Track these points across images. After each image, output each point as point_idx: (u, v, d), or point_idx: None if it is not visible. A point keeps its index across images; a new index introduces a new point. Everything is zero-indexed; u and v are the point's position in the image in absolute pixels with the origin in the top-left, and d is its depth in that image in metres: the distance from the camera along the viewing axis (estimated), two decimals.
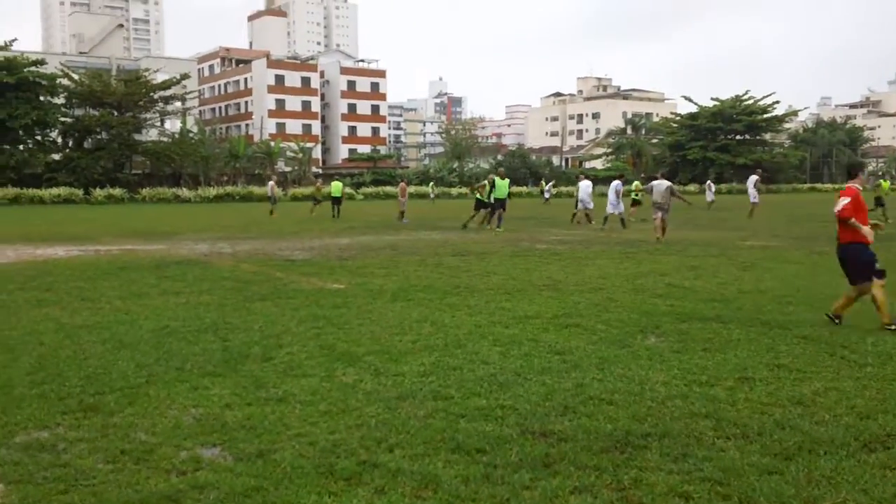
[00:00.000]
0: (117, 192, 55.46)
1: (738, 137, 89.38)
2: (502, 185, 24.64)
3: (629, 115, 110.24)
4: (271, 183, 39.15)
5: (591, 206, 27.54)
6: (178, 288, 11.60)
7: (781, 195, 71.17)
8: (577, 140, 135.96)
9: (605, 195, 26.96)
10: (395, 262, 14.93)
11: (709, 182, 44.98)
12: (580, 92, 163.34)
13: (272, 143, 79.79)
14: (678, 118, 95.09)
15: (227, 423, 5.26)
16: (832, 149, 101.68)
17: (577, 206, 28.87)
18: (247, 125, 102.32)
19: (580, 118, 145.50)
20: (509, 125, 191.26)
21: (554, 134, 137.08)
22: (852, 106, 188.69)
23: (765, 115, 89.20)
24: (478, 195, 25.82)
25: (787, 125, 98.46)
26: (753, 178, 33.54)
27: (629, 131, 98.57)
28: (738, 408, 5.66)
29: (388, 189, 64.26)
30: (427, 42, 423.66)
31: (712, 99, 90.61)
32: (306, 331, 8.28)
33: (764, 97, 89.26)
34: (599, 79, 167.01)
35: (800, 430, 5.15)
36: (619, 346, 7.59)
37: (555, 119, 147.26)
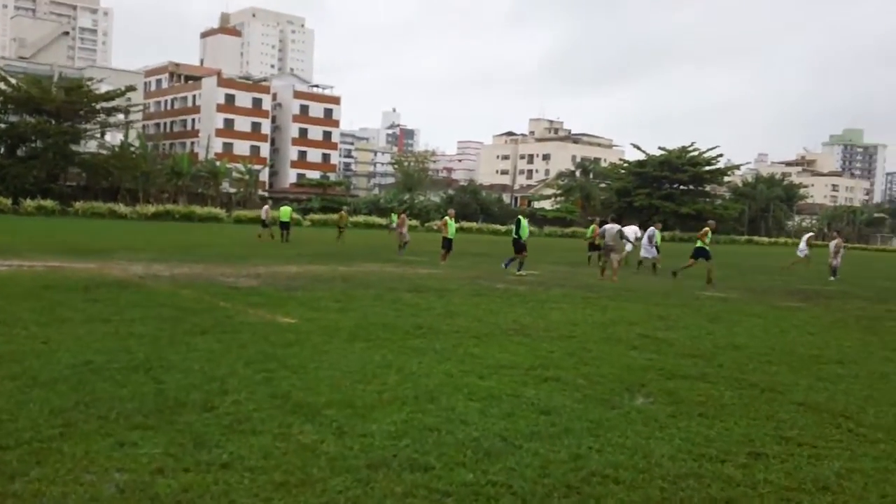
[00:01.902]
0: (49, 203, 53.12)
1: (682, 187, 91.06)
2: (453, 225, 25.40)
3: (578, 159, 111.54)
4: (266, 207, 37.33)
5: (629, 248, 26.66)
6: (108, 314, 10.41)
7: (721, 246, 72.11)
8: (527, 179, 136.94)
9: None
10: (350, 296, 13.95)
11: (810, 234, 45.87)
12: (532, 133, 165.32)
13: (218, 163, 77.92)
14: (626, 165, 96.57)
15: (159, 497, 4.25)
16: (769, 203, 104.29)
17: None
18: (192, 143, 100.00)
19: (531, 158, 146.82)
20: (460, 160, 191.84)
21: (504, 172, 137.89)
22: (788, 164, 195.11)
23: (708, 168, 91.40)
24: (443, 234, 25.62)
25: (728, 178, 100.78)
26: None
27: (578, 174, 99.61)
28: (760, 492, 4.90)
29: (336, 217, 63.08)
30: (382, 72, 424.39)
31: (659, 148, 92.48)
32: (255, 374, 7.26)
33: (708, 150, 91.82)
34: (551, 121, 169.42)
35: None
36: (608, 407, 6.79)
37: (506, 157, 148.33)
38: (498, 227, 71.64)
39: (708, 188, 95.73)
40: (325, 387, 6.89)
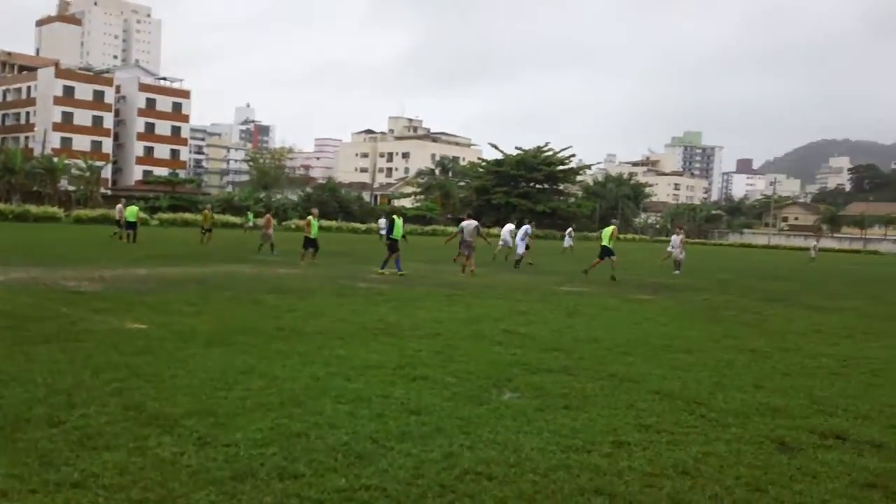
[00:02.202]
0: None
1: (538, 186, 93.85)
2: (316, 225, 25.21)
3: (438, 157, 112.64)
4: (119, 206, 34.53)
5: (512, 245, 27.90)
6: None
7: (576, 243, 74.84)
8: (387, 178, 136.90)
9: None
10: (205, 299, 13.38)
11: (569, 230, 47.17)
12: (391, 131, 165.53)
13: (55, 159, 73.12)
14: (484, 164, 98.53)
15: None
16: (618, 201, 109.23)
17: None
18: (27, 137, 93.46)
19: (390, 156, 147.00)
20: (318, 158, 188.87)
21: (364, 170, 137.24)
22: (634, 164, 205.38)
23: (562, 167, 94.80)
24: (305, 234, 25.14)
25: (580, 177, 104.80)
26: (569, 229, 35.63)
27: (438, 173, 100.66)
28: (625, 480, 5.05)
29: (188, 216, 60.66)
30: (235, 66, 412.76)
31: (516, 148, 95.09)
32: (104, 384, 6.77)
33: (562, 150, 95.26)
34: (411, 120, 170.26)
35: None
36: (477, 403, 6.83)
37: (365, 155, 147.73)
38: (358, 225, 71.10)
39: (562, 187, 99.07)
40: (183, 396, 6.53)
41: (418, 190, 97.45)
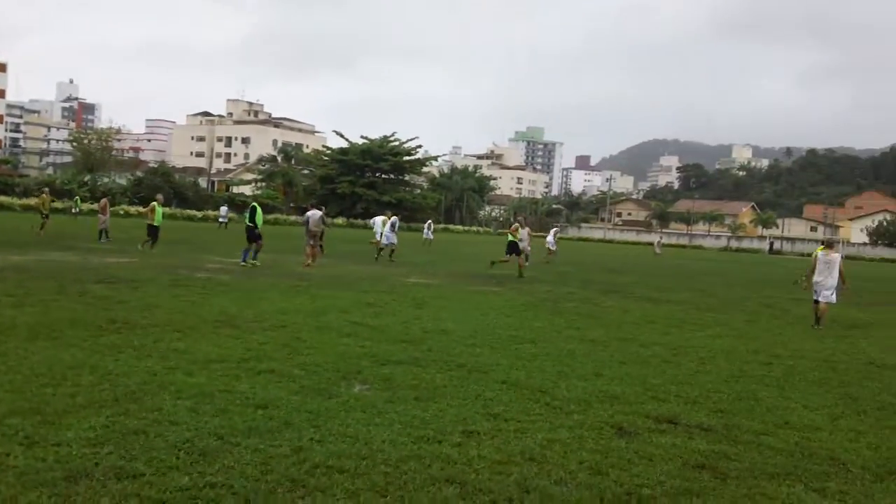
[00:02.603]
0: None
1: (384, 176, 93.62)
2: (160, 212, 24.25)
3: (280, 144, 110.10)
4: (43, 193, 30.62)
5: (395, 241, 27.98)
6: None
7: (419, 234, 75.68)
8: (225, 163, 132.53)
9: None
10: (26, 289, 12.37)
11: (429, 222, 47.32)
12: (230, 114, 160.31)
13: None
14: (329, 152, 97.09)
15: None
16: (464, 194, 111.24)
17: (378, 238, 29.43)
18: None
19: (229, 141, 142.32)
20: (150, 140, 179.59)
21: (200, 154, 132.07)
22: (479, 157, 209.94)
23: (408, 158, 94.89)
24: (148, 221, 24.02)
25: (426, 168, 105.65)
26: (429, 221, 36.39)
27: (280, 160, 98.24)
28: (475, 468, 5.12)
29: (2, 199, 55.90)
30: (57, 39, 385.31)
31: (362, 137, 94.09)
32: None
33: (408, 140, 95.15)
34: (251, 103, 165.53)
35: (545, 493, 4.77)
36: (326, 396, 6.72)
37: (202, 139, 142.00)
38: (194, 212, 68.19)
39: (408, 177, 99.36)
40: (5, 393, 6.02)
41: (259, 177, 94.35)
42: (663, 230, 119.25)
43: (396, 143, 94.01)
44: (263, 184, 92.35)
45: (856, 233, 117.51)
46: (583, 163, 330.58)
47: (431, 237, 44.83)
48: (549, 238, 37.76)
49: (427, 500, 4.51)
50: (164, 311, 11.04)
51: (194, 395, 6.38)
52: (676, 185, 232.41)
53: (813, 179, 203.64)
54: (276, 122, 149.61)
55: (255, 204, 22.23)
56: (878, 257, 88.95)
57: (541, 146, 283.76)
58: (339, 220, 73.87)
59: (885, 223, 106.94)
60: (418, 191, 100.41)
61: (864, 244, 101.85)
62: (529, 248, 30.58)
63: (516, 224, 25.68)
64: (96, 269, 16.74)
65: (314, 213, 22.57)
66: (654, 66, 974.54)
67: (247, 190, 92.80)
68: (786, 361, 10.43)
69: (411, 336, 10.38)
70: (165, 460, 4.79)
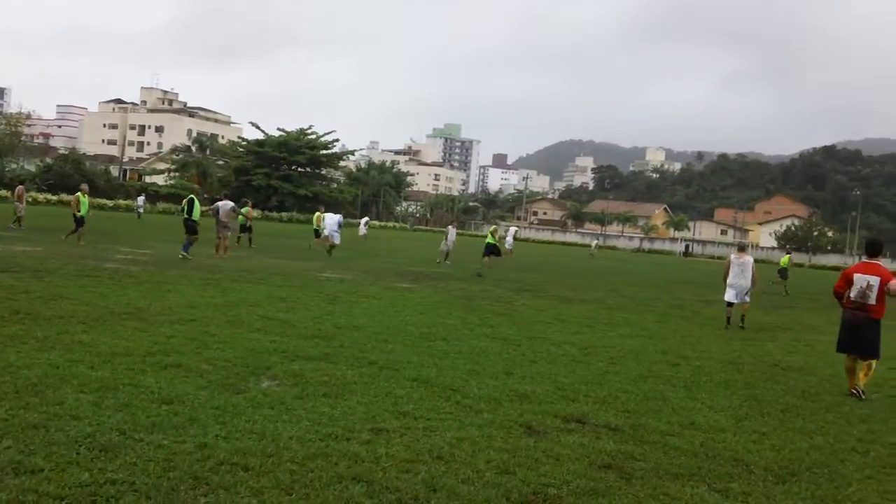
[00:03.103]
0: None
1: (300, 169, 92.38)
2: (86, 202, 23.30)
3: (195, 134, 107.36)
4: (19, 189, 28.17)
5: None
6: None
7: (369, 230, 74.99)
8: (138, 152, 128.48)
9: None
10: None
11: (365, 219, 47.01)
12: (144, 102, 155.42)
13: None
14: (245, 143, 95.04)
15: None
16: (381, 189, 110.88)
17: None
18: None
19: (142, 130, 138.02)
20: (60, 126, 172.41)
21: (112, 142, 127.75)
22: (397, 152, 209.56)
23: (325, 151, 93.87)
24: (73, 211, 23.02)
25: (343, 163, 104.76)
26: (365, 218, 36.54)
27: (195, 150, 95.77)
28: (383, 466, 5.10)
29: None
30: None
31: (278, 129, 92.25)
32: None
33: (325, 134, 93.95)
34: (165, 92, 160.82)
35: (452, 492, 4.77)
36: (234, 392, 6.58)
37: (114, 127, 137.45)
38: (105, 201, 65.82)
39: (325, 171, 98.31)
40: None
41: (173, 167, 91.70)
42: (578, 230, 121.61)
43: (313, 136, 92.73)
44: (177, 174, 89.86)
45: (765, 237, 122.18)
46: (500, 161, 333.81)
47: (366, 233, 44.73)
48: (509, 238, 38.71)
49: (333, 498, 4.47)
50: (70, 303, 10.63)
51: (97, 389, 6.17)
52: (591, 185, 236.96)
53: (724, 183, 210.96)
54: (191, 112, 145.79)
55: (192, 196, 22.06)
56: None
57: (458, 143, 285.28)
58: (255, 213, 72.39)
59: (793, 228, 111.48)
60: (335, 185, 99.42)
61: (773, 248, 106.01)
62: (451, 247, 31.00)
63: (495, 226, 26.54)
64: (1, 257, 15.99)
65: (225, 204, 22.25)
66: (572, 66, 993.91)
67: (160, 180, 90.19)
68: (693, 362, 10.74)
69: (323, 332, 10.28)
70: (65, 455, 4.64)
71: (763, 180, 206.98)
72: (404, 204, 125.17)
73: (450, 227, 32.86)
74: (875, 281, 9.06)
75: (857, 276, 9.14)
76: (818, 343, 14.25)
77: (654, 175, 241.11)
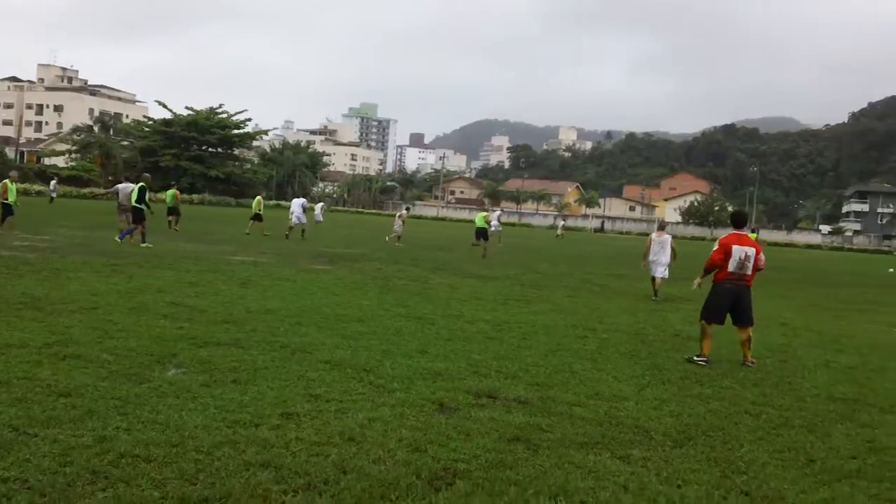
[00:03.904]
0: None
1: (211, 149, 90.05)
2: (14, 189, 22.10)
3: (97, 113, 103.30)
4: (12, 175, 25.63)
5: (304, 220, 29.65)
6: None
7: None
8: (36, 133, 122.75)
9: None
10: None
11: (322, 204, 45.87)
12: (41, 80, 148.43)
13: None
14: (151, 122, 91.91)
15: None
16: (296, 170, 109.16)
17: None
18: None
19: (40, 109, 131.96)
20: None
21: (8, 122, 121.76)
22: (312, 132, 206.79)
23: (237, 131, 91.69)
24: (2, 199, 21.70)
25: (256, 143, 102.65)
26: (321, 203, 36.57)
27: (97, 130, 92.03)
28: (292, 451, 5.05)
29: None
30: None
31: (187, 108, 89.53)
32: None
33: (237, 113, 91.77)
34: (64, 69, 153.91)
35: (363, 473, 4.76)
36: (137, 382, 6.38)
37: (9, 106, 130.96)
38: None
39: (237, 152, 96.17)
40: None
41: (74, 148, 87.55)
42: (494, 208, 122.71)
43: (224, 115, 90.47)
44: (78, 155, 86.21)
45: (670, 212, 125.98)
46: (417, 141, 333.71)
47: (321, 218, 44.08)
48: (494, 222, 39.08)
49: (239, 486, 4.39)
50: None
51: None
52: (507, 164, 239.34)
53: (632, 161, 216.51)
54: (93, 90, 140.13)
55: (142, 183, 21.17)
56: (689, 235, 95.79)
57: (375, 123, 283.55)
58: (161, 195, 70.21)
59: (696, 203, 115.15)
60: (248, 165, 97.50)
61: (678, 223, 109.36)
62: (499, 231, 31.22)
63: (486, 212, 27.38)
64: None
65: (126, 186, 21.59)
66: (489, 48, 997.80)
67: (60, 161, 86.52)
68: (601, 335, 11.00)
69: (234, 316, 10.07)
70: None
71: (668, 158, 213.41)
72: (321, 184, 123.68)
73: (402, 210, 33.97)
74: (752, 252, 9.42)
75: (735, 248, 9.40)
76: None
77: (567, 154, 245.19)
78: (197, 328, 9.01)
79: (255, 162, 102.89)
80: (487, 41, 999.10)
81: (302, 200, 31.01)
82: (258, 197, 32.94)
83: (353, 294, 13.61)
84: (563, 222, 65.68)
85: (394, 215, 32.12)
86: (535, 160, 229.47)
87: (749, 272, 9.46)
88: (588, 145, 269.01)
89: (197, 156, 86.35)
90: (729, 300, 9.47)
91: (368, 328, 10.04)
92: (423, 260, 23.53)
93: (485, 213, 31.27)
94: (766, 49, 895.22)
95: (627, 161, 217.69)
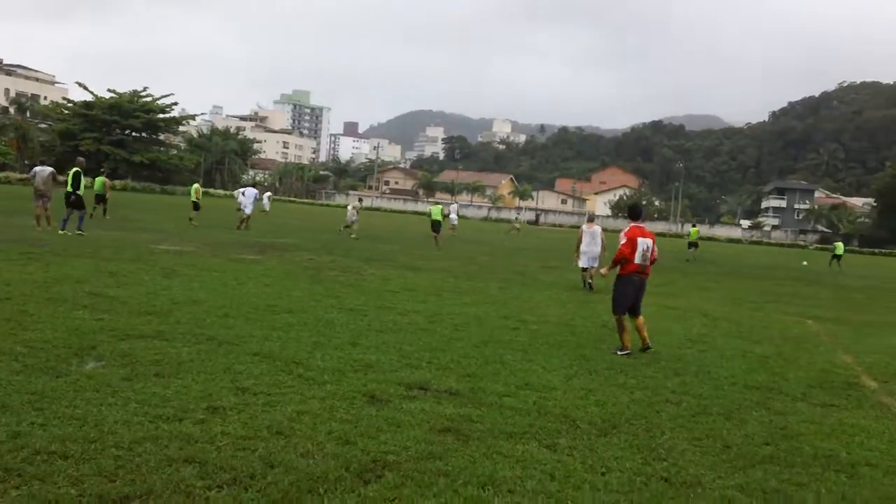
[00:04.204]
0: None
1: (135, 134, 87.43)
2: None
3: (13, 94, 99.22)
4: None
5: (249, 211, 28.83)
6: None
7: (177, 197, 71.95)
8: None
9: None
10: None
11: (269, 193, 44.81)
12: None
13: None
14: (71, 105, 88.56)
15: None
16: (225, 156, 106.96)
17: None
18: None
19: None
20: None
21: None
22: (242, 118, 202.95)
23: (163, 115, 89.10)
24: None
25: (183, 128, 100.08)
26: (268, 193, 36.03)
27: (13, 111, 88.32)
28: (217, 446, 4.93)
29: None
30: None
31: (110, 91, 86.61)
32: None
33: (163, 96, 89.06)
34: None
35: (291, 467, 4.68)
36: (54, 376, 6.14)
37: None
38: None
39: (163, 137, 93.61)
40: None
41: None
42: (429, 199, 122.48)
43: (149, 98, 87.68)
44: None
45: (600, 205, 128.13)
46: (351, 130, 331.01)
47: (268, 208, 43.32)
48: (453, 215, 39.98)
49: (161, 482, 4.25)
50: None
51: None
52: (442, 155, 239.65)
53: (565, 155, 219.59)
54: (9, 70, 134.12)
55: (77, 168, 20.50)
56: (619, 228, 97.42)
57: (308, 110, 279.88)
58: (86, 181, 67.91)
59: (625, 197, 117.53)
60: (174, 151, 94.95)
61: (608, 216, 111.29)
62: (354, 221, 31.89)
63: (441, 205, 30.90)
64: None
65: (42, 170, 20.71)
66: (423, 37, 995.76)
67: None
68: (531, 326, 11.11)
69: (157, 308, 9.79)
70: None
71: (599, 153, 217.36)
72: (251, 172, 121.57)
73: (356, 202, 34.83)
74: (650, 243, 9.69)
75: (640, 241, 9.60)
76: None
77: (501, 146, 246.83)
78: (118, 320, 8.72)
79: (182, 148, 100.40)
80: (424, 31, 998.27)
81: (254, 192, 30.59)
82: (195, 185, 32.30)
83: (283, 285, 13.39)
84: (517, 216, 65.03)
85: (345, 206, 32.34)
86: (470, 152, 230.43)
87: (649, 263, 9.71)
88: (522, 138, 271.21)
89: (119, 140, 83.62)
90: (635, 292, 9.64)
91: (299, 320, 9.89)
92: (356, 251, 23.35)
93: (440, 206, 32.28)
94: (692, 49, 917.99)
95: (560, 155, 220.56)
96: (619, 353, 9.47)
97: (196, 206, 30.09)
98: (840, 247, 43.15)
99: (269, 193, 46.52)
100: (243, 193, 29.57)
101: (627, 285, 9.66)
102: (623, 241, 9.63)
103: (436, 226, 30.55)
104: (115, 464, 4.45)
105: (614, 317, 9.82)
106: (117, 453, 4.61)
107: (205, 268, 14.82)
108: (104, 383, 6.06)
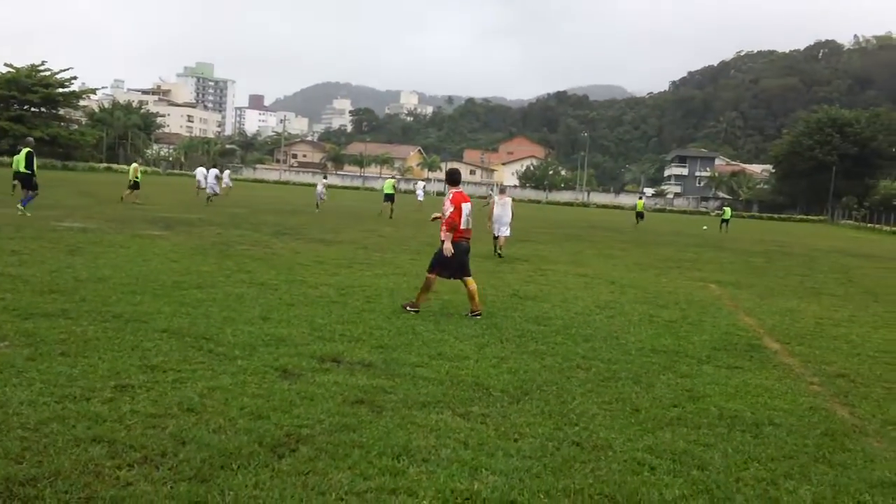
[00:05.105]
0: None
1: (34, 109, 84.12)
2: None
3: None
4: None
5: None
6: None
7: (79, 173, 69.20)
8: None
9: None
10: None
11: (227, 172, 42.96)
12: None
13: None
14: None
15: None
16: (128, 131, 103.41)
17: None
18: None
19: None
20: None
21: None
22: (144, 92, 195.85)
23: (62, 90, 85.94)
24: None
25: (84, 103, 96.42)
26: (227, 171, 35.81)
27: None
28: (127, 424, 4.89)
29: None
30: None
31: (6, 65, 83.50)
32: None
33: (62, 70, 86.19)
34: None
35: (202, 443, 4.67)
36: None
37: None
38: None
39: (62, 112, 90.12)
40: None
41: None
42: (338, 172, 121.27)
43: (48, 73, 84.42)
44: None
45: (508, 176, 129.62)
46: (257, 103, 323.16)
47: (230, 184, 42.13)
48: (419, 192, 41.03)
49: (69, 463, 4.20)
50: None
51: None
52: (349, 128, 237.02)
53: (472, 126, 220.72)
54: None
55: (29, 149, 19.97)
56: (526, 199, 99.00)
57: (212, 84, 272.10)
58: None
59: (532, 167, 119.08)
60: (75, 127, 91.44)
61: (515, 186, 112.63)
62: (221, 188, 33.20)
63: (393, 179, 34.83)
64: None
65: None
66: (328, 8, 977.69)
67: None
68: (443, 296, 11.21)
69: (61, 286, 9.51)
70: None
71: (506, 123, 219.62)
72: (155, 147, 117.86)
73: (323, 179, 39.00)
74: (471, 207, 10.02)
75: (464, 206, 9.84)
76: (551, 273, 15.55)
77: (409, 118, 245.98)
78: (21, 299, 8.45)
79: (83, 123, 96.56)
80: (328, 2, 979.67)
81: (214, 171, 33.77)
82: (134, 164, 31.87)
83: (191, 260, 13.16)
84: (423, 184, 61.71)
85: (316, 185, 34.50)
86: (378, 124, 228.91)
87: (471, 226, 10.02)
88: (429, 110, 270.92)
89: (17, 115, 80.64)
90: (461, 255, 9.86)
91: (208, 295, 9.78)
92: (265, 225, 23.05)
93: (392, 181, 36.21)
94: (596, 21, 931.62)
95: (467, 126, 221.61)
96: (409, 309, 9.65)
97: (136, 185, 29.49)
98: (728, 211, 48.17)
99: (228, 171, 45.59)
100: (205, 176, 33.27)
101: (455, 250, 9.74)
102: (451, 208, 9.71)
103: (388, 197, 34.01)
104: (21, 445, 4.37)
105: (427, 274, 9.90)
106: (23, 434, 4.53)
107: (109, 244, 14.42)
108: (8, 364, 5.90)
